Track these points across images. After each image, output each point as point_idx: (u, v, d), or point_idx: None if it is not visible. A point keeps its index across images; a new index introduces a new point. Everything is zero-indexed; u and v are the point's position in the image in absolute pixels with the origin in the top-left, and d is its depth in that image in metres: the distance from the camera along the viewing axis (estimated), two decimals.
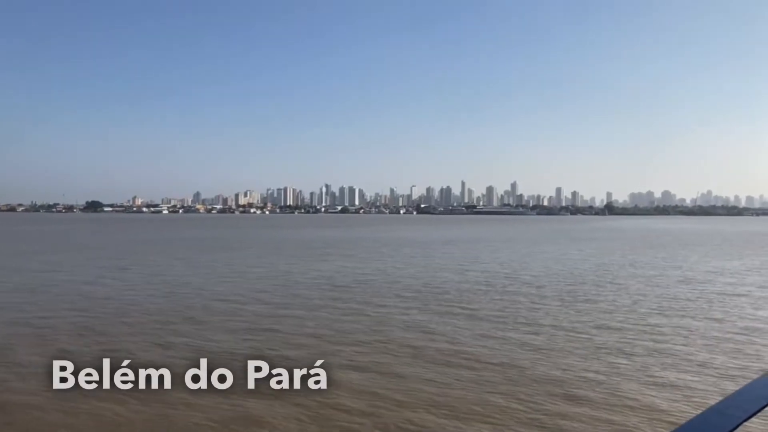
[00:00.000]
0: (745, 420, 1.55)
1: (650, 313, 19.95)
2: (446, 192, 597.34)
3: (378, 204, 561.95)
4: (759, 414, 1.62)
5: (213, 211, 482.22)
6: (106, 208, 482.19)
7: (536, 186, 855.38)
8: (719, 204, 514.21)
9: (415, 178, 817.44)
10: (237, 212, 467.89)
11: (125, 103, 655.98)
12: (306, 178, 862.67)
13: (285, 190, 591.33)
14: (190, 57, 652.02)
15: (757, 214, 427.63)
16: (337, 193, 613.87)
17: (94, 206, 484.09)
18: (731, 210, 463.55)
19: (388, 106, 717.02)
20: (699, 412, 1.58)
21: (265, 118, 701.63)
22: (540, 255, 45.73)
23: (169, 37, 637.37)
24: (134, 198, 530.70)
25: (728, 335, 16.40)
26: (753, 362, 13.60)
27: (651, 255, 46.19)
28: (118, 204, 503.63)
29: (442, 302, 22.10)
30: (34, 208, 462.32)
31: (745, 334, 16.49)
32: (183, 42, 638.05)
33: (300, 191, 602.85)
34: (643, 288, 26.45)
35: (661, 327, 17.57)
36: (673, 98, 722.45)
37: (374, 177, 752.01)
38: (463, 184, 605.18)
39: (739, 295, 24.45)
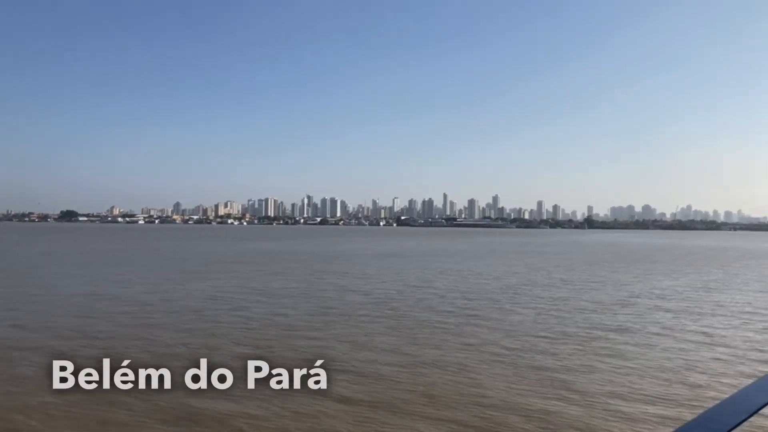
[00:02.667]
0: (746, 419, 1.55)
1: (491, 361, 14.77)
2: (428, 204, 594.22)
3: (359, 216, 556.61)
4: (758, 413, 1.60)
5: (190, 222, 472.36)
6: (81, 218, 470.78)
7: (518, 199, 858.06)
8: (698, 218, 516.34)
9: (397, 190, 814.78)
10: (214, 223, 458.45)
11: (107, 112, 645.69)
12: (289, 190, 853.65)
13: (266, 201, 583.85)
14: (176, 68, 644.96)
15: (735, 229, 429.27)
16: (319, 205, 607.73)
17: (69, 215, 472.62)
18: (710, 224, 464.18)
19: (373, 118, 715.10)
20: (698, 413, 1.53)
21: (249, 130, 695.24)
22: (460, 271, 40.65)
23: (152, 46, 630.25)
24: (112, 208, 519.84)
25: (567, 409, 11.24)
26: None
27: (582, 272, 41.31)
28: (95, 213, 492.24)
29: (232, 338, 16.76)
30: (7, 217, 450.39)
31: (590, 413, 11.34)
32: (166, 51, 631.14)
33: (281, 202, 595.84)
34: (528, 319, 21.30)
35: (477, 378, 12.38)
36: (656, 114, 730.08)
37: (357, 189, 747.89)
38: (445, 196, 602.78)
39: (636, 331, 19.43)
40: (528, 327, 19.29)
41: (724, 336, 17.76)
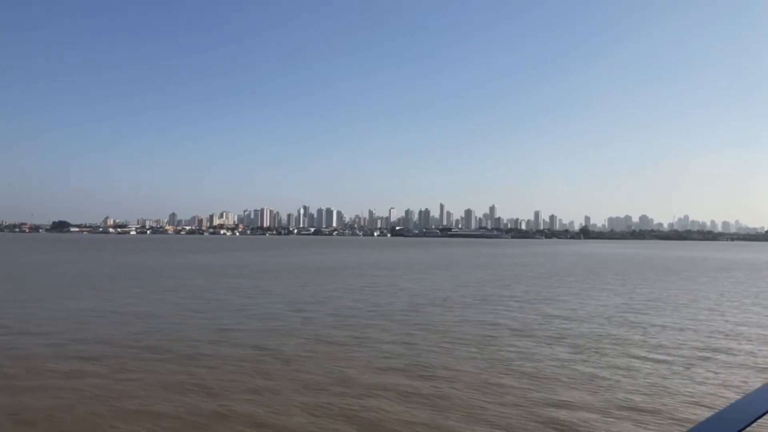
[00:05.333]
0: (746, 426, 1.55)
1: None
2: (424, 214, 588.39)
3: (354, 226, 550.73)
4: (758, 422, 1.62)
5: (182, 233, 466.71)
6: (72, 229, 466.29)
7: (515, 210, 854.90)
8: (695, 229, 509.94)
9: (395, 201, 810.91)
10: (207, 233, 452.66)
11: (106, 125, 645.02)
12: (286, 200, 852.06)
13: (262, 211, 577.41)
14: (176, 81, 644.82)
15: (732, 239, 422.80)
16: (315, 215, 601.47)
17: (60, 226, 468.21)
18: (706, 235, 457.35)
19: (372, 129, 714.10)
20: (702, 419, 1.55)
21: (248, 141, 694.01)
22: (387, 286, 35.60)
23: (149, 57, 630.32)
24: (106, 218, 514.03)
25: None
26: None
27: (523, 286, 36.07)
28: (87, 224, 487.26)
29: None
30: None
31: None
32: (165, 63, 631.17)
33: (277, 212, 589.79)
34: (368, 355, 16.23)
35: None
36: (656, 125, 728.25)
37: (355, 199, 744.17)
38: (441, 206, 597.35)
39: (499, 375, 14.33)
40: (355, 367, 14.17)
41: (609, 388, 12.53)
